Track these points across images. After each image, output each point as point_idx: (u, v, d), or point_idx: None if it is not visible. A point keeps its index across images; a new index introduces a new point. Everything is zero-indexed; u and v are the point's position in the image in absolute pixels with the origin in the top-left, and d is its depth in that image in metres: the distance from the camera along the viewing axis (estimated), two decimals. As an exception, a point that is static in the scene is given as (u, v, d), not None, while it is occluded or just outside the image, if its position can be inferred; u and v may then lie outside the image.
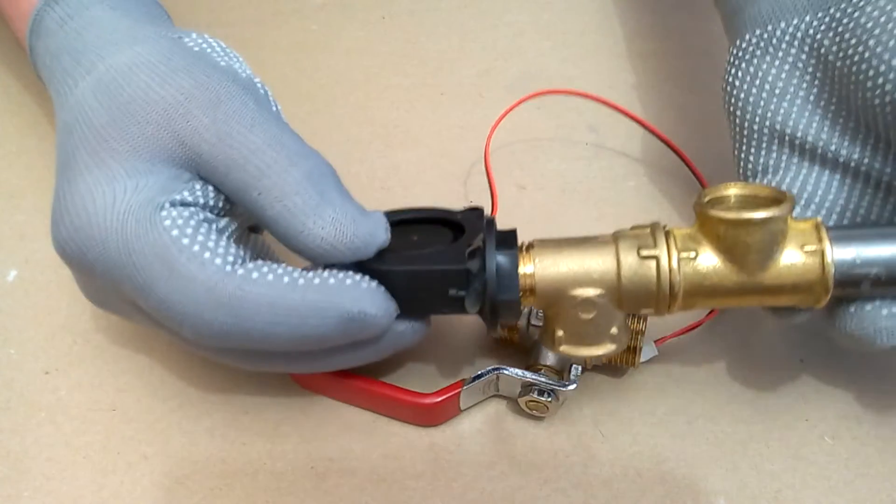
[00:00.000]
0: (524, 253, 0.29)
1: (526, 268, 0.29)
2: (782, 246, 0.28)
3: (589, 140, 0.44)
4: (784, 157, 0.32)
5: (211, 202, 0.29)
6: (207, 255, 0.27)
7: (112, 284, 0.28)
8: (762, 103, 0.32)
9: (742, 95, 0.33)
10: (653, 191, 0.42)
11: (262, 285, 0.27)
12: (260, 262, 0.28)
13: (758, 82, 0.32)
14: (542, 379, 0.32)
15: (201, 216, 0.28)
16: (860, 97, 0.29)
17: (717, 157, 0.42)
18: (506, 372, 0.32)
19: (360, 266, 0.29)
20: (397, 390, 0.33)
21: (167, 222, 0.27)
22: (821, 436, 0.33)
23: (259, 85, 0.31)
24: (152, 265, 0.26)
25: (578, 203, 0.42)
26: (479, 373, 0.32)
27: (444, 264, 0.29)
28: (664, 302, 0.28)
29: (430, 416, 0.33)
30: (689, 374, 0.35)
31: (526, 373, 0.32)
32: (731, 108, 0.34)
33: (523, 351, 0.35)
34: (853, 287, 0.28)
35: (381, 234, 0.28)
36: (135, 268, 0.27)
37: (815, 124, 0.31)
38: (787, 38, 0.32)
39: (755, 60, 0.33)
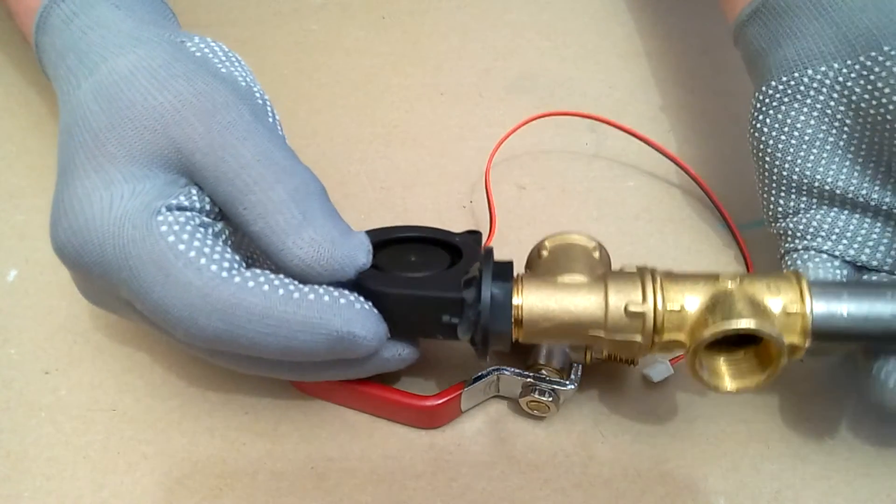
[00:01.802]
0: (517, 285, 0.29)
1: (515, 300, 0.29)
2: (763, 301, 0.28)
3: (589, 140, 0.44)
4: (814, 201, 0.32)
5: (208, 207, 0.29)
6: (203, 260, 0.27)
7: (109, 286, 0.28)
8: (791, 150, 0.32)
9: (770, 142, 0.33)
10: (652, 190, 0.42)
11: (256, 294, 0.27)
12: (257, 270, 0.28)
13: (786, 129, 0.32)
14: (544, 378, 0.32)
15: (197, 221, 0.28)
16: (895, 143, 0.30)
17: (717, 157, 0.42)
18: (506, 372, 0.32)
19: (356, 284, 0.29)
20: (398, 393, 0.33)
21: (163, 228, 0.27)
22: (821, 435, 0.33)
23: (258, 94, 0.31)
24: (148, 270, 0.27)
25: (578, 203, 0.42)
26: (480, 374, 0.32)
27: (439, 291, 0.29)
28: (645, 351, 0.29)
29: (432, 418, 0.33)
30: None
31: (527, 373, 0.32)
32: (760, 154, 0.34)
33: (523, 351, 0.35)
34: (832, 341, 0.29)
35: (360, 257, 0.28)
36: (131, 272, 0.27)
37: (844, 170, 0.32)
38: (815, 84, 0.32)
39: (783, 107, 0.33)
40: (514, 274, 0.30)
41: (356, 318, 0.28)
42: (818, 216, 0.32)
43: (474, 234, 0.32)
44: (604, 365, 0.34)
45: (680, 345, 0.29)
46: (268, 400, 0.34)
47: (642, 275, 0.29)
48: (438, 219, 0.41)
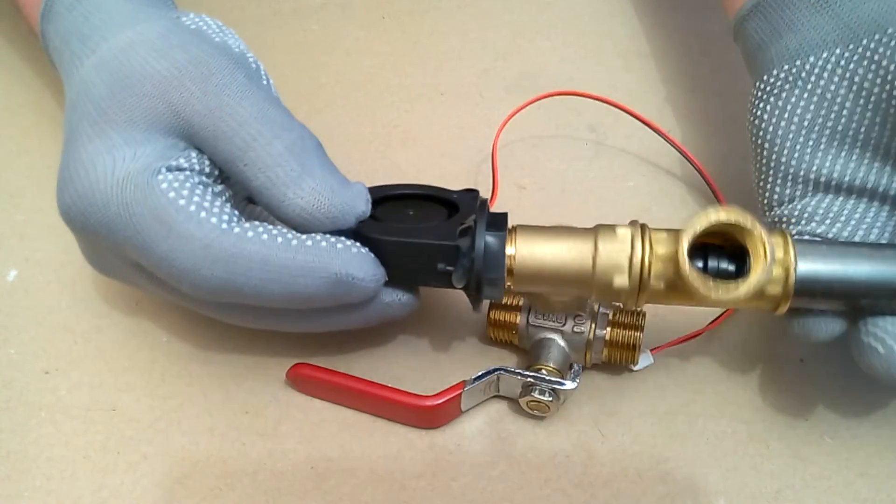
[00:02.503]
0: (510, 235, 0.30)
1: (509, 249, 0.30)
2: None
3: (589, 140, 0.44)
4: (811, 188, 0.33)
5: (207, 170, 0.30)
6: (203, 214, 0.28)
7: (115, 247, 0.30)
8: (791, 136, 0.33)
9: (770, 129, 0.33)
10: (652, 190, 0.42)
11: (256, 243, 0.28)
12: (256, 222, 0.29)
13: (786, 115, 0.33)
14: (544, 378, 0.32)
15: (196, 179, 0.29)
16: None
17: (717, 157, 0.42)
18: (506, 372, 0.32)
19: (356, 234, 0.30)
20: (398, 393, 0.33)
21: (164, 185, 0.28)
22: (821, 435, 0.33)
23: (251, 59, 0.33)
24: (151, 226, 0.28)
25: (578, 203, 0.41)
26: (480, 373, 0.32)
27: (435, 239, 0.30)
28: (632, 298, 0.29)
29: (432, 418, 0.33)
30: (689, 373, 0.35)
31: (527, 372, 0.32)
32: (759, 142, 0.34)
33: (523, 351, 0.35)
34: (815, 298, 0.29)
35: (359, 205, 0.30)
36: (135, 230, 0.28)
37: (843, 154, 0.32)
38: (816, 70, 0.32)
39: (783, 94, 0.33)
40: (509, 225, 0.31)
41: (353, 260, 0.29)
42: (813, 202, 0.32)
43: (472, 192, 0.32)
44: (604, 365, 0.34)
45: (665, 300, 0.29)
46: (268, 400, 0.34)
47: (633, 227, 0.30)
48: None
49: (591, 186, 0.42)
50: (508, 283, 0.30)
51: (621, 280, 0.29)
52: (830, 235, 0.31)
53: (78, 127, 0.30)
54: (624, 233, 0.29)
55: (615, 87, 0.47)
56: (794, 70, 0.33)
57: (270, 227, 0.29)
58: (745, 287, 0.28)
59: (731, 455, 0.33)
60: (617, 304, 0.30)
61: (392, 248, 0.30)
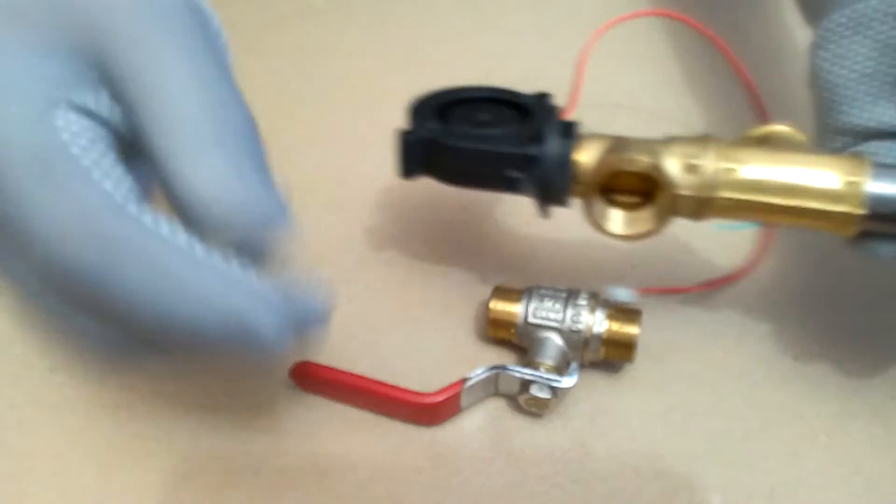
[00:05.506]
0: (579, 142, 0.30)
1: (577, 156, 0.30)
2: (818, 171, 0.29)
3: (588, 141, 0.45)
4: (870, 138, 0.32)
5: (120, 128, 0.23)
6: (96, 174, 0.21)
7: None
8: (850, 86, 0.32)
9: (830, 78, 0.32)
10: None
11: (150, 234, 0.21)
12: (160, 214, 0.22)
13: (846, 63, 0.32)
14: (542, 376, 0.32)
15: (102, 132, 0.23)
16: None
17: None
18: (505, 370, 0.33)
19: (428, 142, 0.31)
20: (399, 391, 0.33)
21: (60, 122, 0.22)
22: (816, 433, 0.33)
23: (208, 13, 0.26)
24: (29, 165, 0.21)
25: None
26: (480, 371, 0.33)
27: (503, 147, 0.30)
28: (700, 209, 0.29)
29: (433, 415, 0.33)
30: (686, 371, 0.35)
31: (525, 370, 0.32)
32: (819, 92, 0.33)
33: (522, 350, 0.35)
34: (887, 222, 0.28)
35: (278, 218, 0.23)
36: (10, 164, 0.21)
37: None
38: (878, 16, 0.31)
39: (844, 41, 0.32)
40: (579, 132, 0.31)
41: (259, 300, 0.22)
42: (872, 146, 0.31)
43: (545, 96, 0.32)
44: (601, 363, 0.34)
45: (734, 205, 0.29)
46: (271, 398, 0.35)
47: (706, 136, 0.30)
48: (437, 218, 0.41)
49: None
50: (576, 192, 0.31)
51: (688, 188, 0.29)
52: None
53: None
54: (694, 141, 0.30)
55: (615, 87, 0.47)
56: (854, 15, 0.31)
57: (176, 225, 0.22)
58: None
59: (726, 452, 0.33)
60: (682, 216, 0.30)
61: (463, 153, 0.31)
